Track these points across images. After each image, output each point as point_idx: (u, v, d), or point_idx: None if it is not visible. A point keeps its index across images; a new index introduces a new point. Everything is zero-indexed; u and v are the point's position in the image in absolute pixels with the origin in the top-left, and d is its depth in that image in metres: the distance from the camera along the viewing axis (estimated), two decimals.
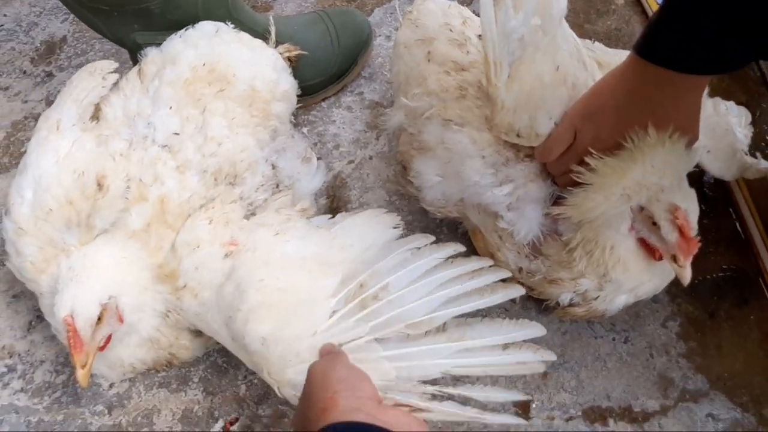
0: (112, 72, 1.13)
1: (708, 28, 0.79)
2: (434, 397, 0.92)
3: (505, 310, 1.14)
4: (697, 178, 1.19)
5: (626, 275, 0.97)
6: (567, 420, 1.03)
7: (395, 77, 1.22)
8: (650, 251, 0.97)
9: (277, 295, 0.96)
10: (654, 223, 0.93)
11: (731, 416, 1.02)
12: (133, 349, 1.03)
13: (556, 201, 1.04)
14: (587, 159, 0.94)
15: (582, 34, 1.41)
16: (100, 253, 0.99)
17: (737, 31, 0.77)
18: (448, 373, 0.92)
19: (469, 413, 0.92)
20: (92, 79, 1.11)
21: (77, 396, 1.07)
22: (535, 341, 1.07)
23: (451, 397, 0.92)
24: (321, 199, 1.28)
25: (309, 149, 1.23)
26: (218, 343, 1.02)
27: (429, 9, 1.15)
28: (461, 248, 1.02)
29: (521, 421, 0.99)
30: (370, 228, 1.07)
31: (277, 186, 1.14)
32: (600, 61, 1.10)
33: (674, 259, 0.91)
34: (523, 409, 1.04)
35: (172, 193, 1.03)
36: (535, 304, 1.14)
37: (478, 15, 0.98)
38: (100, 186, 1.00)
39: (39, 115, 1.32)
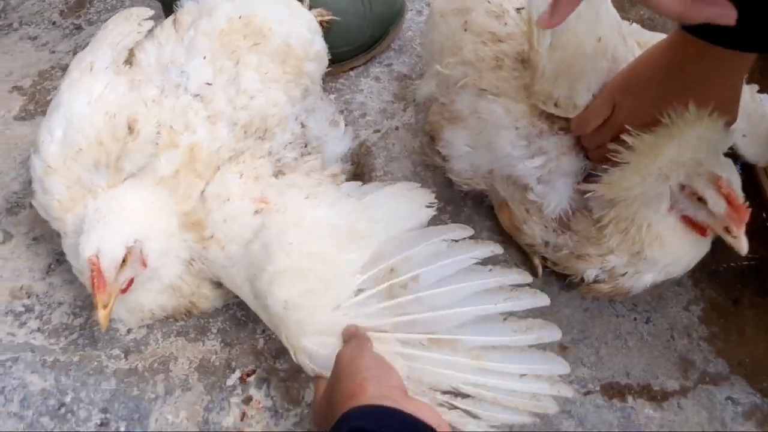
0: (147, 19, 1.13)
1: (760, 2, 0.78)
2: (441, 405, 0.89)
3: (528, 284, 1.13)
4: None
5: (662, 253, 0.96)
6: (585, 394, 1.02)
7: (429, 46, 1.21)
8: (697, 228, 0.95)
9: (305, 260, 0.95)
10: (699, 199, 0.91)
11: (750, 401, 1.01)
12: (154, 295, 1.03)
13: (588, 176, 1.04)
14: (623, 137, 0.94)
15: None
16: (129, 197, 0.99)
17: None
18: (458, 389, 0.90)
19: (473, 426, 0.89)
20: (128, 24, 1.11)
21: (94, 339, 1.06)
22: (557, 317, 1.08)
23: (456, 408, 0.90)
24: (345, 165, 1.27)
25: (337, 113, 1.23)
26: (238, 296, 1.01)
27: None
28: (499, 249, 0.99)
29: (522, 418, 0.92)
30: (401, 203, 1.05)
31: (305, 146, 1.13)
32: (638, 41, 1.09)
33: (727, 230, 0.90)
34: None
35: (203, 142, 1.03)
36: (557, 279, 1.13)
37: None
38: (131, 129, 0.99)
39: (66, 65, 1.32)
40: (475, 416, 0.89)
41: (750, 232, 0.90)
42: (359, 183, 1.09)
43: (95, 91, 1.01)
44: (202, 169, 1.02)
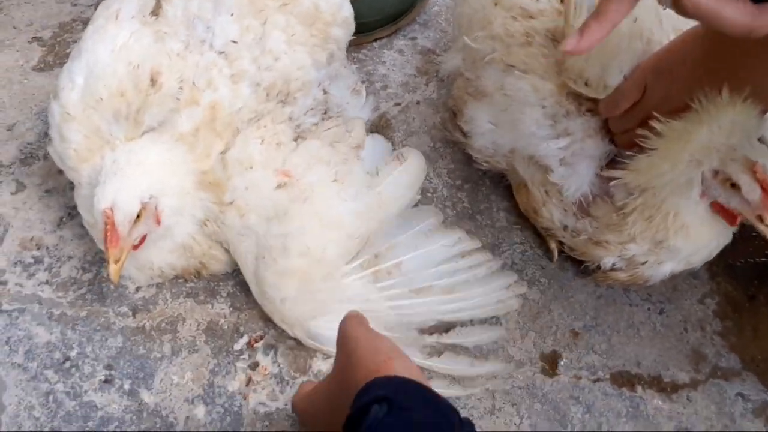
0: None
1: None
2: (433, 350, 1.00)
3: (542, 268, 1.12)
4: None
5: (686, 242, 0.94)
6: (594, 381, 1.01)
7: (457, 18, 1.19)
8: (727, 216, 0.93)
9: (315, 266, 0.99)
10: (732, 185, 0.88)
11: (761, 398, 1.00)
12: (165, 254, 1.02)
13: (612, 162, 1.02)
14: (652, 123, 0.92)
15: None
16: (147, 151, 0.97)
17: None
18: (441, 320, 1.02)
19: (461, 366, 1.00)
20: None
21: (102, 295, 1.05)
22: (570, 302, 1.07)
23: (446, 349, 1.01)
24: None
25: (359, 83, 1.21)
26: None
27: None
28: (468, 240, 1.09)
29: (506, 366, 1.01)
30: (408, 192, 1.11)
31: (326, 112, 1.12)
32: (673, 27, 1.07)
33: (759, 219, 0.87)
34: (550, 365, 1.02)
35: (224, 101, 1.01)
36: (572, 265, 1.11)
37: None
38: (153, 82, 0.97)
39: (87, 19, 1.31)
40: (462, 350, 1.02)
41: None
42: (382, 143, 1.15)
43: (120, 40, 0.98)
44: (222, 129, 1.00)
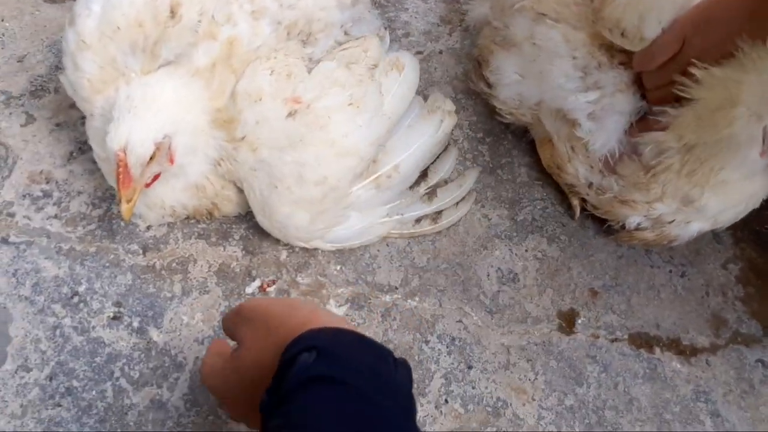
0: None
1: None
2: (427, 197, 1.09)
3: (563, 225, 1.09)
4: None
5: (718, 200, 0.91)
6: (612, 341, 0.99)
7: None
8: None
9: (331, 193, 0.97)
10: None
11: None
12: (178, 193, 0.99)
13: (641, 119, 0.99)
14: (691, 69, 0.88)
15: None
16: (162, 86, 0.93)
17: None
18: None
19: (453, 192, 1.10)
20: None
21: (112, 231, 1.02)
22: (590, 261, 1.05)
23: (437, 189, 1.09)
24: None
25: (383, 28, 1.17)
26: None
27: None
28: (448, 118, 1.11)
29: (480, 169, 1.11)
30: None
31: None
32: None
33: None
34: (568, 323, 1.00)
35: (243, 37, 0.97)
36: (593, 223, 1.09)
37: None
38: (173, 13, 0.93)
39: None
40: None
41: None
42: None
43: None
44: (238, 66, 0.97)
